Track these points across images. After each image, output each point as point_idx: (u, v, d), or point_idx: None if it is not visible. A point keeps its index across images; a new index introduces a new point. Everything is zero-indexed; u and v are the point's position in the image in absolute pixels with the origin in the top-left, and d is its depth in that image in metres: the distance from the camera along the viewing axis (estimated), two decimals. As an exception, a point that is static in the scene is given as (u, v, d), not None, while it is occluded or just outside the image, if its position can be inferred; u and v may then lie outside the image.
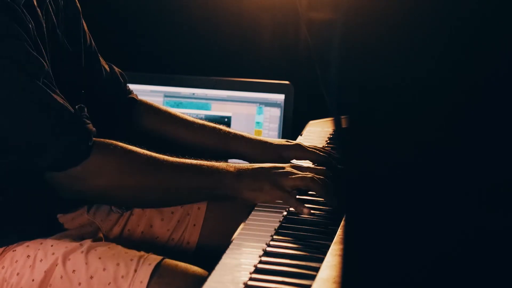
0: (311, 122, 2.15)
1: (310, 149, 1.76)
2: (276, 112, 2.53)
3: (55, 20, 1.65)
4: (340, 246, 1.26)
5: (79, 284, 1.49)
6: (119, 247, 1.56)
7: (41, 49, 1.52)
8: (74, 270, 1.51)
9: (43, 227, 1.62)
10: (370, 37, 0.74)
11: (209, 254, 1.46)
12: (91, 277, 1.49)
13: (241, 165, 1.59)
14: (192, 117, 1.90)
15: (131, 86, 1.94)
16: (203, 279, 1.25)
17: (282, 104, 2.53)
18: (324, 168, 1.65)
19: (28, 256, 1.54)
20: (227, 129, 1.83)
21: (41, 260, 1.53)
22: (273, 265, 1.27)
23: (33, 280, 1.51)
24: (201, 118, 1.90)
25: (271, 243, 1.35)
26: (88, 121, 1.54)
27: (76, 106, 1.53)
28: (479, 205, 0.73)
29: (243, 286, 1.19)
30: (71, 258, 1.52)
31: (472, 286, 0.75)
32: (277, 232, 1.41)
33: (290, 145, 1.78)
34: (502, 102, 0.71)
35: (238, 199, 1.57)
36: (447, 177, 0.73)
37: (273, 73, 2.66)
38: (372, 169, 0.76)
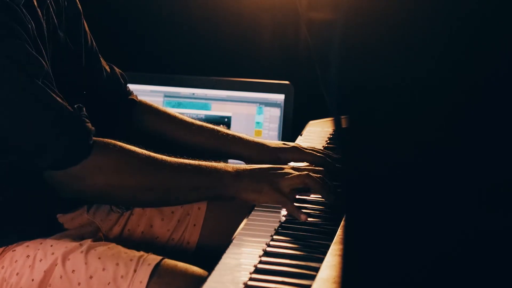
0: (311, 122, 2.15)
1: (307, 151, 1.76)
2: (276, 112, 2.53)
3: (56, 21, 1.65)
4: (340, 246, 1.26)
5: (79, 284, 1.49)
6: (119, 247, 1.56)
7: (41, 49, 1.52)
8: (73, 270, 1.51)
9: (42, 227, 1.62)
10: (370, 37, 0.74)
11: (209, 254, 1.46)
12: (91, 277, 1.49)
13: (239, 165, 1.60)
14: (192, 117, 1.90)
15: (131, 86, 1.94)
16: (203, 279, 1.25)
17: (282, 104, 2.53)
18: (322, 168, 1.65)
19: (28, 256, 1.54)
20: (225, 130, 1.84)
21: (40, 260, 1.53)
22: (273, 265, 1.27)
23: (32, 280, 1.51)
24: (201, 118, 1.91)
25: (271, 243, 1.35)
26: (87, 120, 1.54)
27: (75, 106, 1.53)
28: (479, 205, 0.73)
29: (243, 286, 1.19)
30: (70, 258, 1.52)
31: (472, 286, 0.75)
32: (277, 232, 1.41)
33: (287, 147, 1.78)
34: (502, 102, 0.71)
35: (237, 199, 1.57)
36: (447, 177, 0.73)
37: (273, 73, 2.66)
38: (372, 169, 0.76)
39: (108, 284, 1.48)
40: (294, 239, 1.39)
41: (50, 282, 1.51)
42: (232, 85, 2.56)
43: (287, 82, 2.54)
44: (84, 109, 1.56)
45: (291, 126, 2.52)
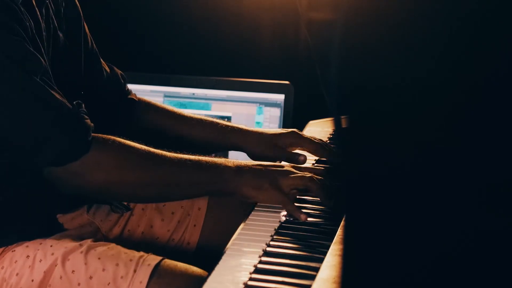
0: (311, 122, 2.15)
1: (304, 136, 1.78)
2: (276, 112, 2.53)
3: (55, 21, 1.65)
4: (340, 246, 1.26)
5: (79, 284, 1.49)
6: (119, 248, 1.56)
7: (39, 47, 1.52)
8: (73, 271, 1.51)
9: (42, 227, 1.62)
10: (370, 37, 0.74)
11: (209, 254, 1.46)
12: (91, 278, 1.49)
13: (240, 161, 1.60)
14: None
15: (131, 86, 1.94)
16: (203, 279, 1.25)
17: (282, 104, 2.53)
18: (323, 168, 1.65)
19: (28, 256, 1.54)
20: (224, 122, 1.85)
21: (40, 261, 1.53)
22: (273, 265, 1.27)
23: (32, 280, 1.51)
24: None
25: (271, 243, 1.35)
26: (86, 117, 1.54)
27: (74, 102, 1.53)
28: (479, 205, 0.73)
29: (243, 286, 1.19)
30: (70, 258, 1.52)
31: (472, 286, 0.75)
32: (277, 232, 1.40)
33: (285, 132, 1.81)
34: (502, 102, 0.71)
35: (237, 195, 1.57)
36: (447, 177, 0.73)
37: (273, 73, 2.66)
38: (372, 169, 0.76)
39: (108, 284, 1.48)
40: (294, 239, 1.39)
41: (50, 283, 1.51)
42: (232, 85, 2.56)
43: (287, 82, 2.53)
44: (84, 105, 1.56)
45: (291, 126, 2.50)
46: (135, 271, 1.49)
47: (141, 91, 2.37)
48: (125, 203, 1.78)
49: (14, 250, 1.55)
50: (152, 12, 2.84)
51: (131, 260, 1.51)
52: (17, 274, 1.52)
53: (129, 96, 1.90)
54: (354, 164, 0.77)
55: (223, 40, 2.81)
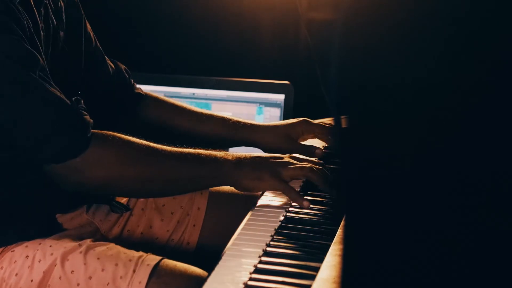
0: (311, 122, 2.15)
1: (316, 122, 1.79)
2: (276, 112, 2.53)
3: (54, 20, 1.65)
4: (340, 246, 1.25)
5: (78, 284, 1.49)
6: (118, 248, 1.56)
7: (37, 46, 1.53)
8: (72, 271, 1.50)
9: (42, 227, 1.62)
10: (370, 37, 0.74)
11: (209, 254, 1.46)
12: (90, 278, 1.49)
13: (239, 153, 1.60)
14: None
15: (131, 86, 1.94)
16: (203, 279, 1.25)
17: (282, 104, 2.53)
18: (322, 162, 1.67)
19: (27, 256, 1.54)
20: (235, 118, 1.86)
21: (39, 261, 1.52)
22: (273, 265, 1.27)
23: (31, 280, 1.51)
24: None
25: (271, 243, 1.35)
26: (85, 113, 1.54)
27: (73, 98, 1.53)
28: (479, 205, 0.73)
29: (243, 286, 1.19)
30: (69, 258, 1.52)
31: (472, 286, 0.75)
32: (277, 232, 1.40)
33: (296, 122, 1.83)
34: (502, 102, 0.71)
35: (238, 187, 1.57)
36: (447, 177, 0.73)
37: (273, 73, 2.66)
38: (372, 169, 0.75)
39: (107, 284, 1.48)
40: (294, 239, 1.38)
41: (49, 283, 1.51)
42: (232, 85, 2.56)
43: (287, 82, 2.53)
44: (83, 101, 1.56)
45: (291, 126, 2.52)
46: (134, 271, 1.49)
47: (141, 91, 2.37)
48: (125, 203, 1.78)
49: (14, 250, 1.55)
50: (152, 12, 2.84)
51: (130, 260, 1.51)
52: (16, 274, 1.52)
53: (136, 91, 1.90)
54: (354, 164, 0.77)
55: (223, 40, 2.81)
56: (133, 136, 1.57)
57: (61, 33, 1.67)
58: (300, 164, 1.57)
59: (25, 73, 1.47)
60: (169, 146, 1.58)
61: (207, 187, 1.74)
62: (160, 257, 1.52)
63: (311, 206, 1.52)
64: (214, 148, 1.62)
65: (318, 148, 1.77)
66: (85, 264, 1.51)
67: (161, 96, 1.92)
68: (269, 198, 1.57)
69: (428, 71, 0.73)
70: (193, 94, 2.57)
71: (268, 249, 1.33)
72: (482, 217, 0.73)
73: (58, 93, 1.51)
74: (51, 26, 1.63)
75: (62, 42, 1.67)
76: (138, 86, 1.94)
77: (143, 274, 1.48)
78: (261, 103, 2.54)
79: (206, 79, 2.58)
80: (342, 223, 1.33)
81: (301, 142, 1.84)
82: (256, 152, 1.74)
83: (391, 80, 0.74)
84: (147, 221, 1.78)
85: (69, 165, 1.50)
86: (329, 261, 1.23)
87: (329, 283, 1.15)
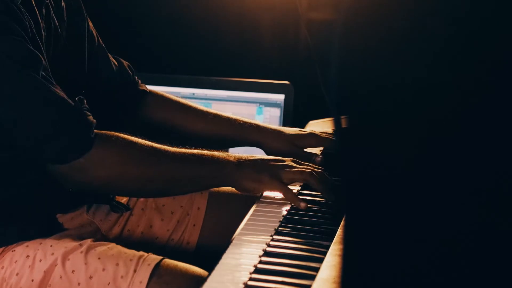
0: (311, 122, 2.15)
1: (324, 136, 1.79)
2: (276, 112, 2.53)
3: (56, 20, 1.65)
4: (340, 246, 1.26)
5: (79, 284, 1.49)
6: (119, 247, 1.56)
7: (39, 45, 1.53)
8: (73, 270, 1.51)
9: (42, 227, 1.62)
10: (370, 37, 0.74)
11: (209, 254, 1.46)
12: (91, 277, 1.49)
13: (241, 155, 1.60)
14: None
15: (131, 87, 1.94)
16: (203, 279, 1.25)
17: (282, 104, 2.53)
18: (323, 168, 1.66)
19: (28, 256, 1.54)
20: (241, 118, 1.86)
21: (40, 260, 1.53)
22: (273, 265, 1.27)
23: (32, 280, 1.51)
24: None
25: (271, 243, 1.35)
26: (88, 113, 1.54)
27: (76, 98, 1.54)
28: (479, 205, 0.73)
29: (243, 286, 1.19)
30: (70, 258, 1.52)
31: (472, 286, 0.75)
32: (277, 232, 1.40)
33: (304, 134, 1.83)
34: (502, 102, 0.71)
35: (238, 188, 1.58)
36: (447, 178, 0.73)
37: (273, 73, 2.66)
38: (372, 169, 0.76)
39: (108, 284, 1.48)
40: (294, 239, 1.38)
41: (50, 282, 1.51)
42: (232, 85, 2.56)
43: (287, 82, 2.53)
44: (86, 101, 1.56)
45: (291, 126, 2.52)
46: (135, 271, 1.49)
47: (141, 91, 2.37)
48: (125, 203, 1.78)
49: (14, 250, 1.56)
50: (152, 12, 2.84)
51: (131, 260, 1.51)
52: (17, 274, 1.52)
53: (141, 88, 1.90)
54: (354, 164, 0.77)
55: (223, 40, 2.81)
56: (136, 135, 1.58)
57: (63, 33, 1.67)
58: (300, 167, 1.57)
59: (27, 73, 1.47)
60: (172, 146, 1.59)
61: (208, 188, 1.74)
62: (161, 257, 1.52)
63: (311, 206, 1.52)
64: (218, 148, 1.62)
65: (318, 156, 1.77)
66: (86, 263, 1.51)
67: (166, 94, 1.92)
68: (269, 199, 1.57)
69: (428, 71, 0.73)
70: (193, 94, 2.57)
71: (268, 249, 1.33)
72: (482, 217, 0.73)
73: (61, 93, 1.51)
74: (53, 26, 1.63)
75: (64, 42, 1.67)
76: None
77: (144, 274, 1.48)
78: (261, 103, 2.54)
79: (206, 79, 2.58)
80: (342, 223, 1.33)
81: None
82: (257, 153, 1.74)
83: (391, 80, 0.74)
84: (147, 221, 1.78)
85: (72, 165, 1.50)
86: (329, 261, 1.23)
87: (329, 283, 1.15)
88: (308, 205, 1.52)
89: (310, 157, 1.77)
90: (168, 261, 1.52)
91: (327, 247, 1.29)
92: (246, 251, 1.32)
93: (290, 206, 1.53)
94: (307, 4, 2.52)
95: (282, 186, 1.54)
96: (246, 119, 1.86)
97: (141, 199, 1.80)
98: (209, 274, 1.24)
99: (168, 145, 1.58)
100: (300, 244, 1.37)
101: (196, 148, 1.60)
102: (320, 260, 1.24)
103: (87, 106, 1.56)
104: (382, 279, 0.77)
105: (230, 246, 1.34)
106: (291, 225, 1.45)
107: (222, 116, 1.86)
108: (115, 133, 1.55)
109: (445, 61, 0.73)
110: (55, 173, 1.52)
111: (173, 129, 1.86)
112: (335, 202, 1.54)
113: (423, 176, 0.74)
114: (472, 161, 0.72)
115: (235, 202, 1.74)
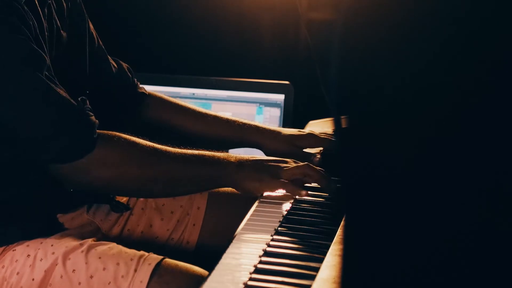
0: (311, 122, 2.15)
1: (322, 136, 1.80)
2: (276, 112, 2.53)
3: (58, 20, 1.65)
4: (340, 246, 1.26)
5: (79, 283, 1.49)
6: (119, 247, 1.56)
7: (42, 45, 1.53)
8: (74, 270, 1.51)
9: (43, 226, 1.62)
10: (370, 37, 0.74)
11: (209, 254, 1.46)
12: (91, 277, 1.50)
13: (241, 156, 1.61)
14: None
15: (131, 87, 1.94)
16: (203, 279, 1.25)
17: (282, 104, 2.53)
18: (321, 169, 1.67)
19: (28, 255, 1.54)
20: (240, 120, 1.87)
21: (41, 260, 1.53)
22: (273, 265, 1.27)
23: (33, 279, 1.51)
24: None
25: (271, 243, 1.35)
26: (91, 114, 1.55)
27: (79, 99, 1.54)
28: (479, 205, 0.73)
29: (243, 286, 1.19)
30: (71, 257, 1.52)
31: (472, 286, 0.75)
32: (277, 232, 1.41)
33: (303, 134, 1.84)
34: (502, 102, 0.71)
35: (239, 189, 1.58)
36: (447, 178, 0.73)
37: (273, 73, 2.66)
38: (372, 169, 0.76)
39: (109, 283, 1.49)
40: (294, 239, 1.39)
41: (50, 282, 1.51)
42: (232, 85, 2.56)
43: (287, 82, 2.53)
44: (88, 102, 1.56)
45: (291, 126, 2.51)
46: (135, 270, 1.49)
47: (141, 91, 2.37)
48: (125, 203, 1.78)
49: (15, 249, 1.56)
50: (152, 12, 2.84)
51: (131, 259, 1.51)
52: (17, 273, 1.53)
53: (140, 90, 1.90)
54: (354, 164, 0.77)
55: (223, 40, 2.81)
56: (137, 136, 1.58)
57: (64, 34, 1.67)
58: (300, 164, 1.59)
59: (32, 73, 1.48)
60: (172, 147, 1.59)
61: (209, 188, 1.74)
62: (161, 257, 1.52)
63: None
64: (217, 149, 1.63)
65: (316, 156, 1.78)
66: (86, 263, 1.51)
67: (165, 96, 1.92)
68: (269, 198, 1.57)
69: (428, 71, 0.73)
70: (193, 94, 2.57)
71: (268, 249, 1.33)
72: (482, 217, 0.73)
73: (64, 94, 1.52)
74: (55, 26, 1.63)
75: (65, 42, 1.67)
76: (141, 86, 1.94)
77: (145, 274, 1.48)
78: (261, 103, 2.54)
79: (206, 79, 2.58)
80: (342, 223, 1.33)
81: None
82: (257, 154, 1.74)
83: (391, 80, 0.74)
84: (147, 221, 1.78)
85: (74, 165, 1.51)
86: (329, 261, 1.23)
87: (329, 283, 1.15)
88: (308, 206, 1.52)
89: (309, 158, 1.77)
90: (168, 260, 1.52)
91: (327, 247, 1.29)
92: (246, 251, 1.33)
93: (290, 206, 1.53)
94: (307, 4, 2.52)
95: (282, 183, 1.56)
96: (245, 120, 1.87)
97: (141, 199, 1.80)
98: (209, 274, 1.24)
99: (168, 146, 1.59)
100: (300, 244, 1.37)
101: (197, 149, 1.61)
102: (320, 260, 1.24)
103: (89, 106, 1.56)
104: (382, 279, 0.77)
105: (230, 246, 1.34)
106: (291, 225, 1.45)
107: (221, 117, 1.87)
108: (117, 133, 1.56)
109: (445, 61, 0.73)
110: (56, 173, 1.53)
111: (173, 131, 1.87)
112: (335, 194, 1.55)
113: (423, 176, 0.74)
114: (472, 161, 0.73)
115: (235, 202, 1.74)
